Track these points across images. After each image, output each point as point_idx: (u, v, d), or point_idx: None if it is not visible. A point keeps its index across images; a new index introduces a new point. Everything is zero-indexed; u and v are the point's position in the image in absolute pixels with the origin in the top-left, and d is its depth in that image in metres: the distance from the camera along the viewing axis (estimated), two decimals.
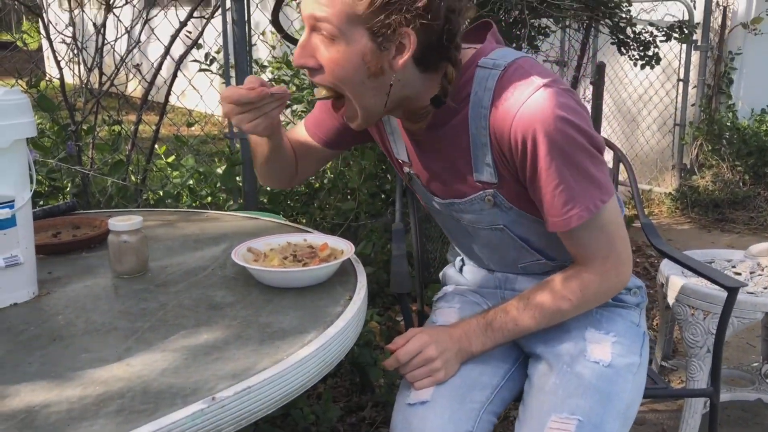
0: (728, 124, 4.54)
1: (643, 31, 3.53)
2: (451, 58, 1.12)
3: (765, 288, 2.03)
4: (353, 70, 1.09)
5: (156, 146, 2.69)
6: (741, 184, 4.45)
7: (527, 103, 1.09)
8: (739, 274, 2.14)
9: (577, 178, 1.12)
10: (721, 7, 4.64)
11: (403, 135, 1.31)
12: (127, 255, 1.20)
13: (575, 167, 1.12)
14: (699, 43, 4.70)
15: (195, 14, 2.65)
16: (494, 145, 1.16)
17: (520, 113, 1.09)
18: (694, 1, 4.32)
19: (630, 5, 3.40)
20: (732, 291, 1.52)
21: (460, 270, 1.53)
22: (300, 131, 1.46)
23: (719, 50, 4.67)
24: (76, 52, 2.42)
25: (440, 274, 1.61)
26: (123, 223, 1.20)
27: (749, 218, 4.22)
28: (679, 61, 4.84)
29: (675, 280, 2.03)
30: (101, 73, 2.47)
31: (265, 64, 3.40)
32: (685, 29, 3.61)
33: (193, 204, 2.49)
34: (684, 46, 4.69)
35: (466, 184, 1.24)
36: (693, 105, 4.84)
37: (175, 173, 2.63)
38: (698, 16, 4.59)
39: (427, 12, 1.04)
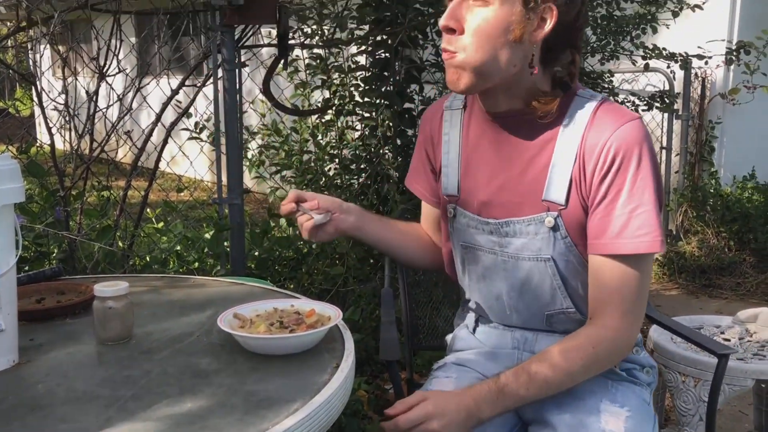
0: (711, 190, 4.61)
1: (625, 100, 3.62)
2: (576, 44, 1.23)
3: (754, 354, 2.02)
4: (498, 31, 1.16)
5: (147, 210, 2.69)
6: (726, 249, 4.49)
7: (628, 125, 1.19)
8: (728, 340, 2.13)
9: (654, 207, 1.18)
10: (700, 78, 4.78)
11: (465, 158, 1.36)
12: (112, 321, 1.19)
13: (654, 197, 1.18)
14: (680, 113, 4.82)
15: (187, 82, 2.69)
16: (579, 164, 1.21)
17: (619, 131, 1.18)
18: (674, 72, 4.45)
19: (612, 76, 3.50)
20: (722, 357, 1.51)
21: (473, 331, 1.47)
22: (424, 212, 1.56)
23: (700, 119, 4.79)
24: (67, 118, 2.45)
25: (447, 338, 1.55)
26: (109, 288, 1.19)
27: (736, 284, 4.24)
28: (662, 129, 4.95)
29: (665, 347, 2.02)
30: (92, 140, 2.49)
31: (256, 131, 3.45)
32: (666, 99, 3.71)
33: (180, 270, 2.47)
34: (666, 115, 4.81)
35: (531, 201, 1.26)
36: (677, 172, 4.92)
37: (162, 239, 2.62)
38: (678, 86, 4.72)
39: None
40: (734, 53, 3.97)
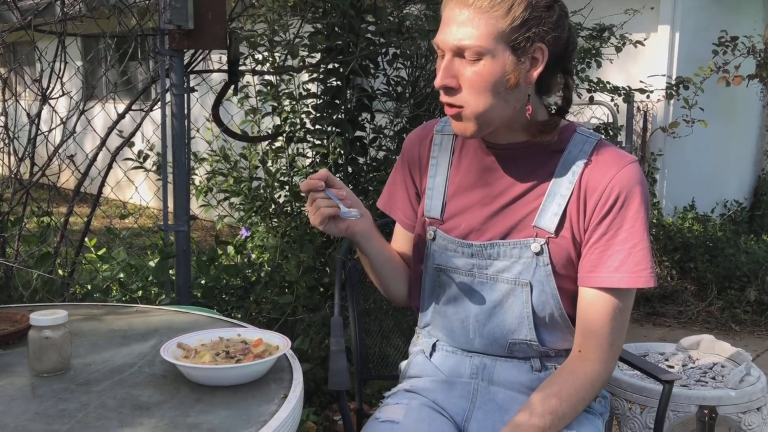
0: (654, 221, 4.74)
1: None
2: (568, 69, 1.28)
3: (697, 381, 2.06)
4: (494, 82, 1.20)
5: (86, 239, 2.61)
6: (669, 278, 4.60)
7: (629, 167, 1.25)
8: (672, 366, 2.17)
9: (649, 245, 1.25)
10: (642, 112, 4.95)
11: (455, 183, 1.38)
12: (49, 352, 1.14)
13: (648, 236, 1.26)
14: (623, 144, 4.96)
15: (134, 107, 2.64)
16: (577, 200, 1.26)
17: (623, 172, 1.24)
18: (618, 105, 4.59)
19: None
20: (667, 384, 1.54)
21: (430, 356, 1.45)
22: (396, 236, 1.53)
23: (642, 151, 4.94)
24: (7, 141, 2.37)
25: (401, 365, 1.53)
26: (45, 317, 1.14)
27: (678, 312, 4.34)
28: None
29: (612, 374, 2.04)
30: (32, 164, 2.42)
31: (205, 156, 3.41)
32: (610, 131, 3.81)
33: (123, 298, 2.40)
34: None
35: (520, 225, 1.29)
36: None
37: (104, 266, 2.55)
38: (621, 119, 4.87)
39: (558, 26, 1.21)
40: (674, 88, 4.13)
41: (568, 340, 1.34)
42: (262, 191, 3.15)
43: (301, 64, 2.97)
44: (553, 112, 1.32)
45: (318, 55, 2.91)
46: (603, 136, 1.33)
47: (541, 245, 1.27)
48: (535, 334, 1.31)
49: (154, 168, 3.05)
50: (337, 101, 2.88)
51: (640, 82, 3.82)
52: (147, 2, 2.57)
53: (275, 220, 3.04)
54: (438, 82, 1.23)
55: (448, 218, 1.37)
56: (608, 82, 3.54)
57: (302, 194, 2.99)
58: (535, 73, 1.22)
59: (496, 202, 1.32)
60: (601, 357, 1.27)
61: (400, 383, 1.47)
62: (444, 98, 1.25)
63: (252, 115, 3.16)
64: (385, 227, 1.67)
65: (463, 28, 1.19)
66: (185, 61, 2.42)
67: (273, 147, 3.13)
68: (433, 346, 1.45)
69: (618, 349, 1.29)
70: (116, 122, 2.59)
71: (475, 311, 1.35)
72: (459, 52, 1.20)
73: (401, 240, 1.53)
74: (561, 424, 1.23)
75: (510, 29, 1.18)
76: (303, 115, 3.01)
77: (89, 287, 2.39)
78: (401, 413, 1.32)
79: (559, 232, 1.27)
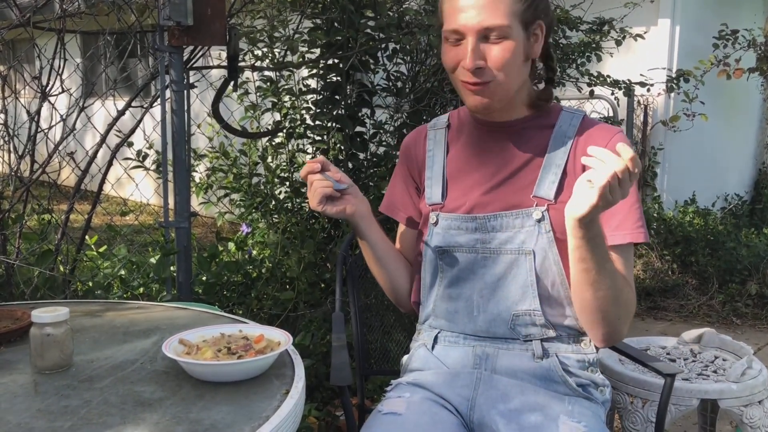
0: (655, 215, 4.74)
1: None
2: (549, 46, 1.40)
3: (698, 374, 2.06)
4: (516, 58, 1.30)
5: (87, 236, 2.61)
6: (670, 272, 4.60)
7: (618, 135, 1.36)
8: (674, 360, 2.17)
9: (641, 205, 1.35)
10: (642, 105, 4.94)
11: (452, 169, 1.46)
12: (51, 349, 1.14)
13: (639, 196, 1.36)
14: None
15: (134, 103, 2.64)
16: (573, 165, 1.35)
17: (614, 140, 1.33)
18: (618, 99, 4.58)
19: (558, 102, 3.57)
20: (669, 377, 1.54)
21: (432, 348, 1.46)
22: (399, 237, 1.58)
23: (643, 145, 4.93)
24: (6, 139, 2.37)
25: (402, 359, 1.55)
26: (47, 314, 1.14)
27: (679, 306, 4.34)
28: None
29: (613, 368, 2.04)
30: (33, 161, 2.42)
31: (205, 153, 3.40)
32: (610, 125, 3.79)
33: (125, 295, 2.40)
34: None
35: (521, 197, 1.37)
36: None
37: (105, 263, 2.55)
38: (622, 113, 4.86)
39: (548, 4, 1.35)
40: (674, 81, 4.12)
41: (566, 315, 1.37)
42: (262, 187, 3.15)
43: (301, 59, 2.96)
44: (546, 80, 1.45)
45: (317, 51, 2.90)
46: (585, 113, 1.43)
47: (542, 212, 1.35)
48: (539, 303, 1.35)
49: (154, 166, 3.05)
50: (337, 97, 2.87)
51: (641, 75, 3.80)
52: None
53: (276, 216, 3.04)
54: (470, 64, 1.29)
55: (450, 200, 1.44)
56: (608, 76, 3.53)
57: (303, 181, 2.99)
58: (539, 48, 1.35)
59: (496, 177, 1.40)
60: None
61: (402, 376, 1.48)
62: (471, 78, 1.32)
63: (252, 111, 3.15)
64: (387, 222, 1.68)
65: (485, 10, 1.27)
66: (185, 58, 2.42)
67: (273, 143, 3.12)
68: (435, 338, 1.46)
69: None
70: (116, 119, 2.58)
71: (479, 286, 1.40)
72: (484, 34, 1.28)
73: (403, 240, 1.58)
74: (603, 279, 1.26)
75: (524, 8, 1.29)
76: (303, 111, 3.00)
77: (90, 284, 2.39)
78: (403, 406, 1.33)
79: (557, 198, 1.35)
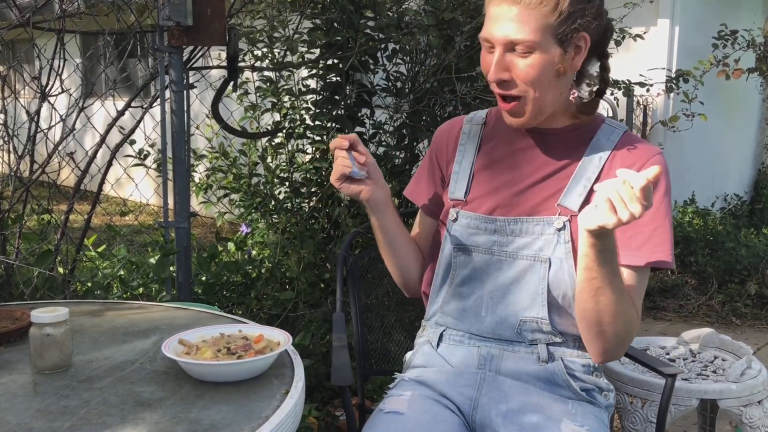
0: None
1: None
2: (605, 53, 1.36)
3: (698, 374, 2.06)
4: (545, 73, 1.27)
5: (87, 236, 2.61)
6: (669, 272, 4.60)
7: (656, 157, 1.34)
8: (673, 360, 2.17)
9: (670, 230, 1.32)
10: (641, 106, 4.94)
11: (481, 166, 1.44)
12: (50, 349, 1.14)
13: (670, 223, 1.33)
14: None
15: (133, 103, 2.64)
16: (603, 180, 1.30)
17: (656, 157, 1.33)
18: (618, 99, 4.58)
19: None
20: (670, 378, 1.54)
21: (437, 346, 1.46)
22: (417, 223, 1.58)
23: None
24: (6, 139, 2.37)
25: (406, 356, 1.54)
26: (47, 314, 1.14)
27: (679, 306, 4.34)
28: None
29: (613, 368, 2.04)
30: (32, 161, 2.41)
31: (204, 153, 3.40)
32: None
33: (124, 295, 2.40)
34: None
35: (546, 203, 1.35)
36: None
37: (105, 264, 2.55)
38: (621, 113, 4.86)
39: (598, 14, 1.29)
40: (674, 81, 4.12)
41: (576, 325, 1.35)
42: (262, 187, 3.15)
43: (301, 60, 2.96)
44: (594, 92, 1.40)
45: (317, 51, 2.90)
46: (626, 129, 1.39)
47: (564, 222, 1.33)
48: (547, 312, 1.34)
49: (154, 165, 3.05)
50: (337, 97, 2.87)
51: (640, 75, 3.81)
52: None
53: (275, 216, 3.03)
54: (492, 76, 1.29)
55: (472, 199, 1.43)
56: None
57: (303, 182, 3.00)
58: (580, 61, 1.30)
59: (523, 182, 1.38)
60: None
61: (405, 372, 1.48)
62: (497, 90, 1.31)
63: (251, 112, 3.15)
64: (408, 218, 1.69)
65: (513, 24, 1.24)
66: (184, 58, 2.42)
67: (273, 143, 3.12)
68: (440, 336, 1.46)
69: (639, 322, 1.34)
70: (116, 119, 2.58)
71: (490, 287, 1.39)
72: (510, 47, 1.26)
73: (421, 227, 1.57)
74: (605, 296, 1.24)
75: (557, 23, 1.24)
76: (302, 111, 3.00)
77: (90, 284, 2.38)
78: (405, 405, 1.33)
79: (581, 210, 1.30)
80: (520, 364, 1.37)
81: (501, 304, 1.38)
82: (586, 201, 1.32)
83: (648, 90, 4.01)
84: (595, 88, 1.40)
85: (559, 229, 1.33)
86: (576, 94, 1.35)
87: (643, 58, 4.57)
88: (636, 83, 3.67)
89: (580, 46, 1.29)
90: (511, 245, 1.36)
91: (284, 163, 3.13)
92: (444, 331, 1.46)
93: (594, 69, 1.39)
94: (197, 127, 3.16)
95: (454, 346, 1.44)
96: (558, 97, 1.32)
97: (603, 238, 1.17)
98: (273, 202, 3.06)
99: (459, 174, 1.46)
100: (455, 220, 1.43)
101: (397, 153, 2.97)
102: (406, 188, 1.60)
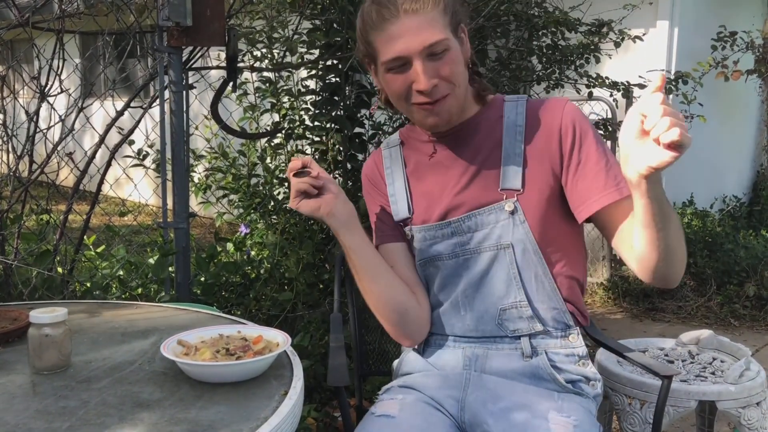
0: None
1: None
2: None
3: (696, 376, 2.06)
4: (459, 65, 1.33)
5: (86, 236, 2.61)
6: None
7: (568, 104, 1.37)
8: (672, 362, 2.17)
9: (615, 159, 1.33)
10: None
11: (414, 182, 1.45)
12: (49, 350, 1.14)
13: (610, 151, 1.37)
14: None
15: (132, 103, 2.64)
16: (531, 152, 1.36)
17: (566, 109, 1.36)
18: (617, 101, 4.58)
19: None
20: (667, 379, 1.54)
21: (422, 352, 1.48)
22: (388, 257, 1.47)
23: None
24: (5, 139, 2.37)
25: (393, 364, 1.55)
26: (45, 315, 1.14)
27: (677, 307, 4.34)
28: None
29: (611, 370, 2.04)
30: (31, 161, 2.41)
31: (203, 154, 3.40)
32: (609, 126, 3.81)
33: (123, 296, 2.40)
34: (609, 142, 4.94)
35: (489, 193, 1.37)
36: None
37: (104, 264, 2.55)
38: (620, 115, 4.86)
39: (461, 5, 1.36)
40: (673, 83, 4.12)
41: (555, 308, 1.38)
42: (261, 188, 3.15)
43: (300, 60, 2.96)
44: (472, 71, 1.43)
45: (316, 52, 2.90)
46: (527, 97, 1.44)
47: (513, 203, 1.35)
48: (524, 294, 1.36)
49: (153, 166, 3.05)
50: (336, 98, 2.87)
51: (639, 77, 3.81)
52: None
53: (274, 217, 3.03)
54: (425, 85, 1.29)
55: (419, 212, 1.44)
56: (607, 78, 3.53)
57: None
58: (468, 49, 1.36)
59: (462, 179, 1.40)
60: None
61: (394, 380, 1.49)
62: (427, 99, 1.31)
63: (251, 112, 3.15)
64: None
65: (423, 30, 1.27)
66: (184, 58, 2.42)
67: (272, 144, 3.12)
68: (425, 341, 1.48)
69: None
70: (115, 119, 2.58)
71: (462, 286, 1.40)
72: (429, 53, 1.28)
73: (398, 256, 1.48)
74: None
75: (449, 18, 1.31)
76: (302, 112, 3.00)
77: (89, 285, 2.38)
78: (397, 407, 1.34)
79: (524, 186, 1.36)
80: (504, 361, 1.39)
81: (477, 298, 1.40)
82: (525, 176, 1.35)
83: None
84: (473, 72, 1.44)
85: (512, 212, 1.35)
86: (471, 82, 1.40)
87: (642, 59, 4.57)
88: (635, 85, 3.67)
89: (462, 36, 1.35)
90: (472, 241, 1.38)
91: (283, 164, 3.13)
92: (429, 336, 1.47)
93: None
94: (197, 127, 3.16)
95: (439, 350, 1.46)
96: (467, 87, 1.38)
97: (653, 179, 1.13)
98: (272, 203, 3.06)
99: (396, 196, 1.47)
100: (411, 237, 1.45)
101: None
102: (374, 242, 1.49)
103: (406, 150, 1.50)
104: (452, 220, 1.39)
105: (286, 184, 3.08)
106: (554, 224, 1.37)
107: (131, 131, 2.65)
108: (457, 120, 1.39)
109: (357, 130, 2.92)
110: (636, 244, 1.25)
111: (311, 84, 2.99)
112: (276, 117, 3.08)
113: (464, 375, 1.40)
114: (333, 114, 2.88)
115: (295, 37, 2.89)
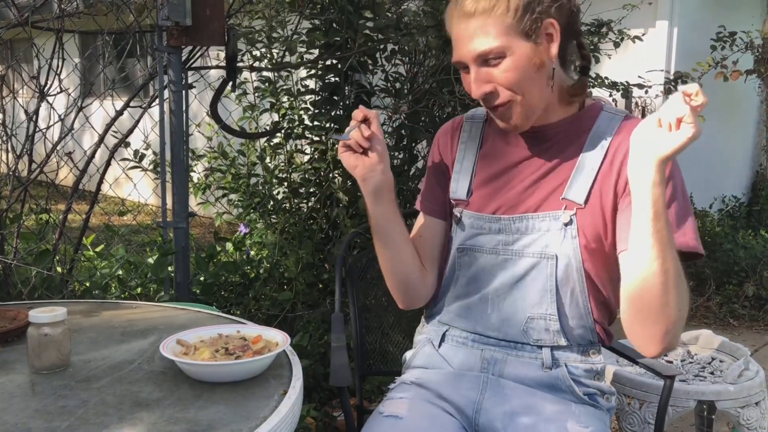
0: None
1: None
2: (579, 32, 1.33)
3: (696, 375, 2.07)
4: (524, 71, 1.25)
5: (85, 236, 2.60)
6: None
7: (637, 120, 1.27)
8: (671, 362, 2.17)
9: (689, 208, 1.28)
10: (640, 107, 4.94)
11: (483, 165, 1.41)
12: (48, 349, 1.13)
13: (687, 200, 1.30)
14: None
15: (132, 103, 2.64)
16: (608, 168, 1.29)
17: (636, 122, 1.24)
18: (616, 101, 4.58)
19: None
20: (669, 379, 1.54)
21: (438, 347, 1.44)
22: (418, 223, 1.51)
23: None
24: (5, 138, 2.37)
25: (406, 354, 1.52)
26: (44, 314, 1.14)
27: None
28: None
29: (610, 369, 2.05)
30: (31, 161, 2.41)
31: (203, 153, 3.40)
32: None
33: (122, 295, 2.40)
34: None
35: (550, 198, 1.33)
36: None
37: (103, 263, 2.55)
38: None
39: None
40: (672, 83, 4.12)
41: (583, 326, 1.35)
42: (260, 188, 3.15)
43: (299, 60, 2.96)
44: (578, 73, 1.37)
45: (316, 52, 2.90)
46: (626, 114, 1.36)
47: (570, 216, 1.30)
48: (556, 309, 1.32)
49: (152, 167, 3.05)
50: (336, 97, 2.87)
51: (639, 77, 3.81)
52: None
53: (274, 216, 3.03)
54: (476, 92, 1.28)
55: (476, 198, 1.41)
56: (606, 78, 3.53)
57: (301, 182, 2.99)
58: (555, 47, 1.27)
59: (527, 179, 1.36)
60: None
61: (404, 373, 1.47)
62: (487, 106, 1.31)
63: (250, 112, 3.15)
64: (408, 218, 1.65)
65: (475, 37, 1.24)
66: (183, 58, 2.42)
67: (271, 143, 3.12)
68: (443, 336, 1.44)
69: None
70: (114, 119, 2.58)
71: (496, 285, 1.37)
72: (482, 60, 1.26)
73: (424, 230, 1.50)
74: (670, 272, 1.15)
75: (517, 20, 1.23)
76: (301, 112, 3.00)
77: (88, 284, 2.38)
78: (405, 408, 1.33)
79: (587, 202, 1.30)
80: (523, 369, 1.36)
81: (507, 302, 1.36)
82: (590, 192, 1.30)
83: (646, 92, 4.01)
84: (578, 63, 1.37)
85: (566, 224, 1.30)
86: (552, 84, 1.31)
87: (641, 59, 4.57)
88: (634, 85, 3.67)
89: (551, 33, 1.26)
90: (517, 243, 1.34)
91: (283, 164, 3.13)
92: (447, 330, 1.44)
93: (573, 50, 1.35)
94: (197, 126, 3.16)
95: (456, 347, 1.42)
96: (545, 90, 1.30)
97: (662, 175, 1.13)
98: (272, 203, 3.06)
99: (460, 173, 1.44)
100: (459, 220, 1.42)
101: (396, 154, 2.97)
102: (417, 202, 1.53)
103: (488, 128, 1.45)
104: (504, 217, 1.36)
105: (286, 183, 3.09)
106: (603, 248, 1.32)
107: (131, 131, 2.65)
108: (538, 122, 1.34)
109: None
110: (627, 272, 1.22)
111: (311, 84, 2.99)
112: (275, 117, 3.08)
113: (482, 377, 1.38)
114: (332, 114, 2.88)
115: (295, 36, 2.89)
